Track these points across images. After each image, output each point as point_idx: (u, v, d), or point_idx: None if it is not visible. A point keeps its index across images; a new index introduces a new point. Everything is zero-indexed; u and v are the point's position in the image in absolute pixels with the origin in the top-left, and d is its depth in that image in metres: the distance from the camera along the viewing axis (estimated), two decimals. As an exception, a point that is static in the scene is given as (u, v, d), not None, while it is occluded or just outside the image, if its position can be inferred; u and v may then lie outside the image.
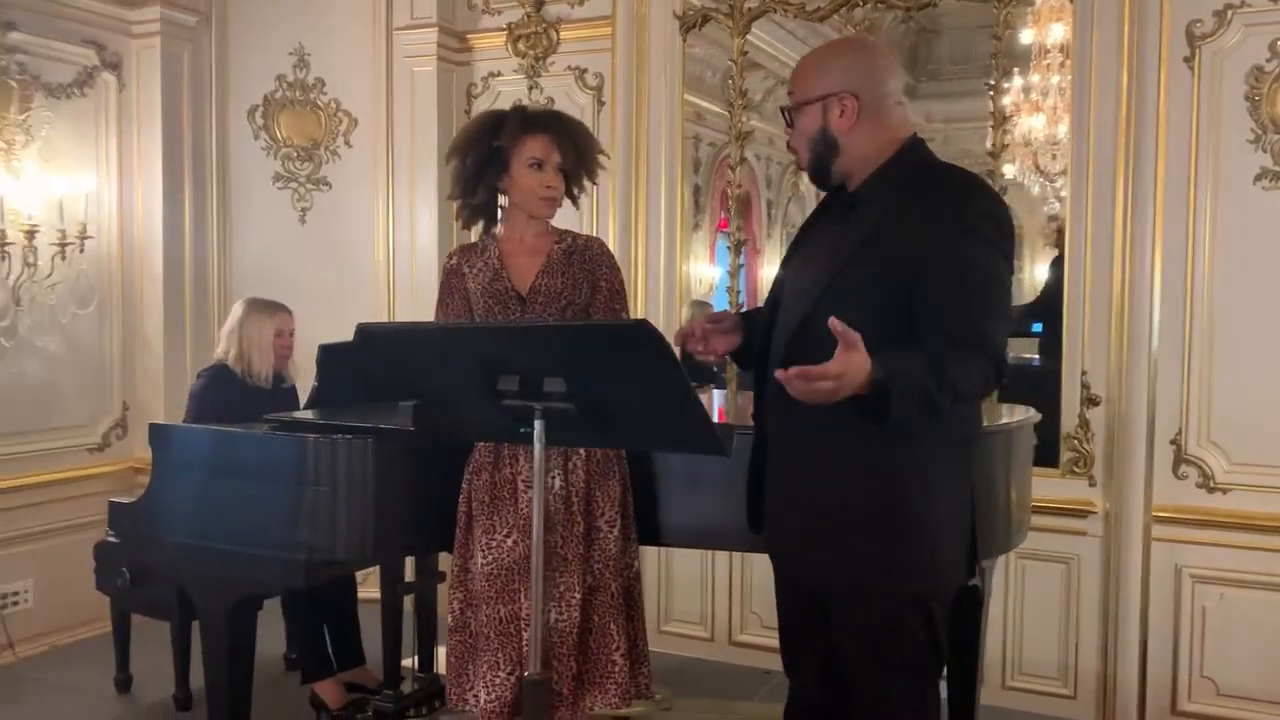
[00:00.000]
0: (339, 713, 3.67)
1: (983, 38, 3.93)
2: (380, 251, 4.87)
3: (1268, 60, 3.50)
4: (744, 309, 4.02)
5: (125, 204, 4.76)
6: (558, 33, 4.62)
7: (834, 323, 1.79)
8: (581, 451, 2.61)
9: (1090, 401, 3.72)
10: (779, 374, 1.81)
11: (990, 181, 3.54)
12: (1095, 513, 3.73)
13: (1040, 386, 3.76)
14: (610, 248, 2.85)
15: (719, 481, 2.62)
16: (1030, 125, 4.21)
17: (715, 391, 4.29)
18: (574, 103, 4.54)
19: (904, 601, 2.05)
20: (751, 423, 2.28)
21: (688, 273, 4.47)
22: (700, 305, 4.46)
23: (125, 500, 3.22)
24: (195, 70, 4.89)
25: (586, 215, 4.34)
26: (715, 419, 3.34)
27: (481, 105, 4.67)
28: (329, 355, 3.44)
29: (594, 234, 3.81)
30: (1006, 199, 3.59)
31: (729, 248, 4.33)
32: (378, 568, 3.58)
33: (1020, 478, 2.85)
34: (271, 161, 4.97)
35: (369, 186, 4.90)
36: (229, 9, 4.97)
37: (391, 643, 3.50)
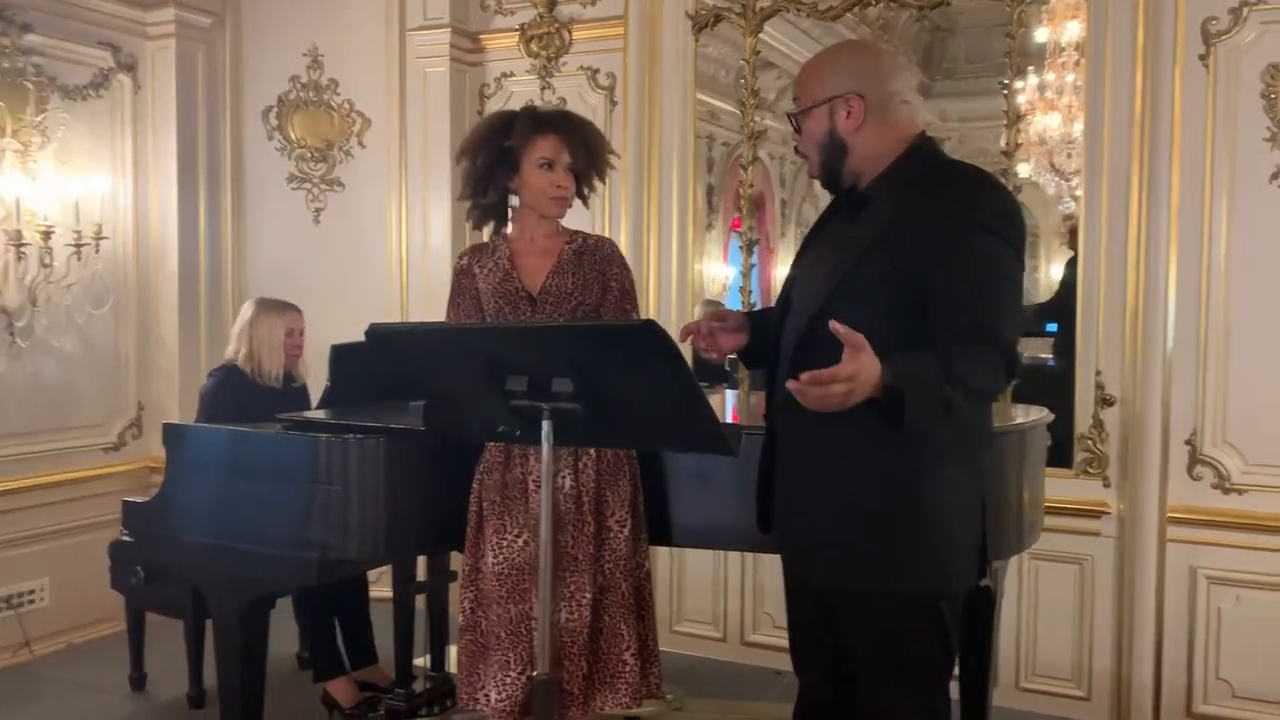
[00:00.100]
0: (351, 711, 3.68)
1: (997, 36, 3.91)
2: (393, 251, 4.88)
3: (1284, 58, 3.47)
4: (756, 309, 4.02)
5: (140, 205, 4.79)
6: (570, 33, 4.63)
7: (835, 326, 1.78)
8: (592, 451, 2.61)
9: (1104, 402, 3.70)
10: (790, 385, 1.79)
11: (1004, 180, 3.52)
12: (1109, 513, 3.71)
13: (1054, 386, 3.74)
14: (622, 248, 2.86)
15: (730, 481, 2.62)
16: (1045, 124, 4.19)
17: (728, 391, 4.29)
18: (586, 103, 4.54)
19: (912, 601, 2.04)
20: (763, 422, 2.28)
21: (700, 272, 4.47)
22: (712, 305, 4.45)
23: (139, 499, 3.23)
24: (210, 71, 4.92)
25: (599, 215, 4.34)
26: (729, 419, 3.33)
27: (494, 105, 4.67)
28: (341, 355, 3.46)
29: (606, 234, 3.83)
30: (1021, 198, 3.61)
31: (741, 247, 4.32)
32: (390, 567, 3.58)
33: (1033, 478, 2.83)
34: (285, 162, 4.99)
35: (382, 187, 4.91)
36: (243, 10, 5.00)
37: (404, 642, 3.50)
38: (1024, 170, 4.03)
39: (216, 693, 3.09)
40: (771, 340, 2.22)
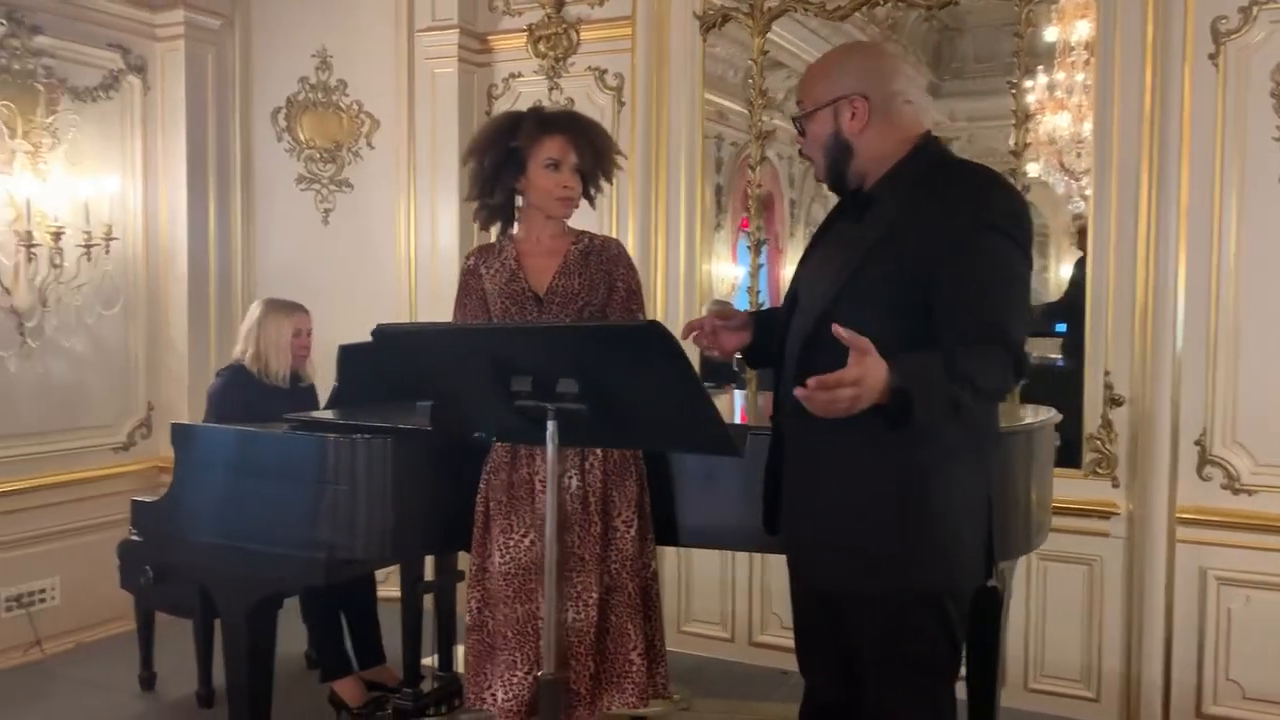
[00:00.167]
0: (359, 711, 3.69)
1: (1006, 36, 3.91)
2: (402, 252, 4.89)
3: (1294, 57, 3.46)
4: (764, 309, 4.01)
5: (150, 205, 4.80)
6: (578, 33, 4.63)
7: (838, 330, 1.77)
8: (598, 451, 2.61)
9: (1113, 402, 3.69)
10: (798, 392, 1.77)
11: (1013, 180, 3.51)
12: (1118, 514, 3.70)
13: (1063, 387, 3.73)
14: (630, 248, 2.86)
15: (736, 482, 2.61)
16: (1055, 123, 4.17)
17: (736, 392, 4.29)
18: (594, 103, 4.54)
19: (918, 599, 2.03)
20: (769, 423, 2.28)
21: (709, 272, 4.46)
22: (720, 305, 4.44)
23: (148, 499, 3.24)
24: (219, 73, 4.94)
25: (607, 215, 4.34)
26: (736, 419, 3.33)
27: (502, 106, 4.67)
28: (348, 355, 3.47)
29: (614, 234, 3.83)
30: (1030, 198, 3.60)
31: (749, 247, 4.32)
32: (398, 567, 3.59)
33: (1041, 478, 2.82)
34: (294, 163, 5.00)
35: (390, 187, 4.92)
36: (252, 12, 5.01)
37: (411, 641, 3.50)
38: (1033, 170, 4.02)
39: (225, 692, 3.10)
40: (777, 341, 2.22)
